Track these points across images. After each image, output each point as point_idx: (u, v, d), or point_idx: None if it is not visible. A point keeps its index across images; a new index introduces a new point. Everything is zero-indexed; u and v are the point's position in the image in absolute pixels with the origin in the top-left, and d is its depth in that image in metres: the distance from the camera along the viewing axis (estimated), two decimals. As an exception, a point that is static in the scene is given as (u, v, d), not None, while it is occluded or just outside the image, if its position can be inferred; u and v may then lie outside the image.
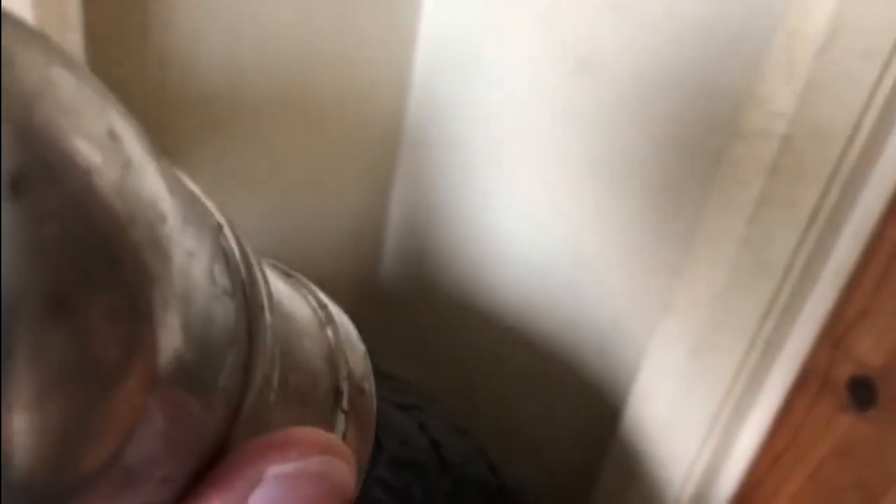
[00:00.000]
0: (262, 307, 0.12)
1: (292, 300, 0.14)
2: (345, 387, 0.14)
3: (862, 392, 0.43)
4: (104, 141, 0.09)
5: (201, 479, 0.12)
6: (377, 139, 0.60)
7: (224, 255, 0.11)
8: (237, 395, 0.11)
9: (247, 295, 0.11)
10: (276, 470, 0.13)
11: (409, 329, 0.66)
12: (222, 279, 0.11)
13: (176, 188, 0.10)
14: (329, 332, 0.14)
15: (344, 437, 0.14)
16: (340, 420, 0.14)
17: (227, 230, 0.12)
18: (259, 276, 0.12)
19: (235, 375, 0.11)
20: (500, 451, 0.49)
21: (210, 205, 0.12)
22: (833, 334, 0.44)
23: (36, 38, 0.09)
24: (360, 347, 0.15)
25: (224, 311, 0.11)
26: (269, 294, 0.12)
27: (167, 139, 0.47)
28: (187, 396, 0.10)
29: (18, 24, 0.09)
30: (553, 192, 0.53)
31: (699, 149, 0.43)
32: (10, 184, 0.08)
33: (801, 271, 0.42)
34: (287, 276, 0.15)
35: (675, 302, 0.47)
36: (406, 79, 0.58)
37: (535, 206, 0.54)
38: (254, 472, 0.12)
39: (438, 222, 0.62)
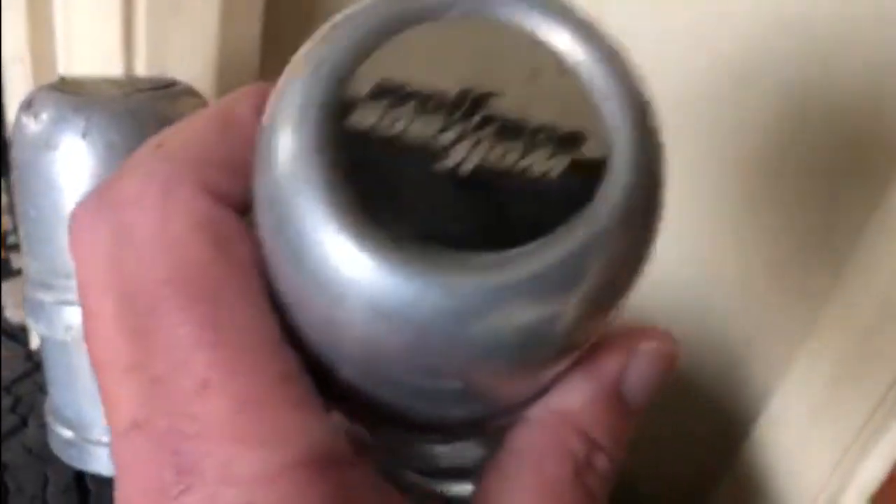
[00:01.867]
0: None
1: None
2: None
3: None
4: None
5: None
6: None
7: None
8: None
9: None
10: (645, 346, 0.20)
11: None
12: None
13: None
14: None
15: None
16: None
17: None
18: None
19: None
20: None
21: None
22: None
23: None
24: None
25: None
26: None
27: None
28: None
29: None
30: (692, 203, 0.51)
31: (867, 170, 0.41)
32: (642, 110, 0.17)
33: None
34: None
35: (818, 328, 0.45)
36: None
37: (670, 217, 0.53)
38: (630, 345, 0.20)
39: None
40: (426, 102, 0.15)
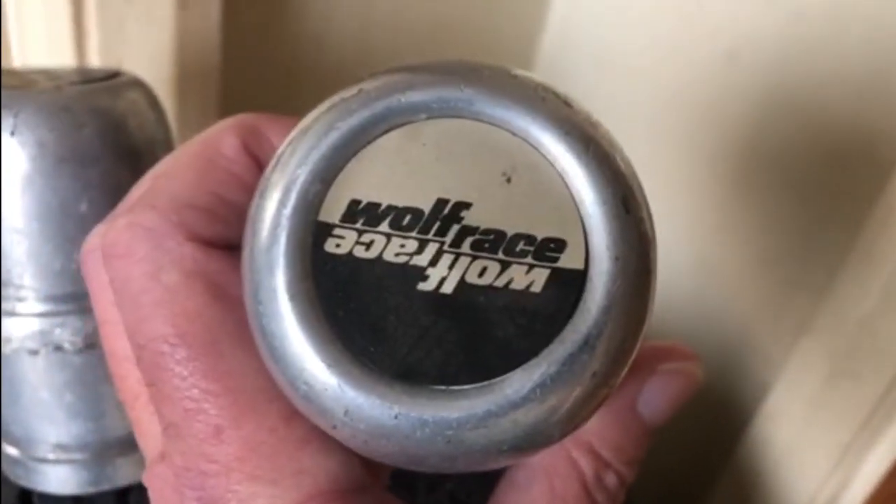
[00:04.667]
0: None
1: None
2: None
3: None
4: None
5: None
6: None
7: None
8: None
9: None
10: (665, 367, 0.20)
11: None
12: None
13: None
14: None
15: None
16: None
17: None
18: None
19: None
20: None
21: None
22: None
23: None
24: None
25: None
26: None
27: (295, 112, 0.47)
28: None
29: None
30: (685, 193, 0.50)
31: (862, 157, 0.39)
32: (623, 204, 0.15)
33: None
34: None
35: (815, 322, 0.43)
36: (529, 62, 0.56)
37: (662, 206, 0.51)
38: (650, 365, 0.20)
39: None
40: (400, 220, 0.15)
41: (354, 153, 0.15)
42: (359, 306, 0.15)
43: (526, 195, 0.15)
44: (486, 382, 0.15)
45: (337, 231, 0.15)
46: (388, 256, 0.15)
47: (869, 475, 0.45)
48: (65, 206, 0.26)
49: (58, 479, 0.29)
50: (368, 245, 0.15)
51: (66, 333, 0.27)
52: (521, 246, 0.15)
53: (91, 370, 0.28)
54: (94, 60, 0.36)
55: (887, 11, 0.37)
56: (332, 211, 0.15)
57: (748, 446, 0.50)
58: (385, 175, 0.15)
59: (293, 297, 0.15)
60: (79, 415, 0.28)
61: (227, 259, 0.17)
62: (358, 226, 0.15)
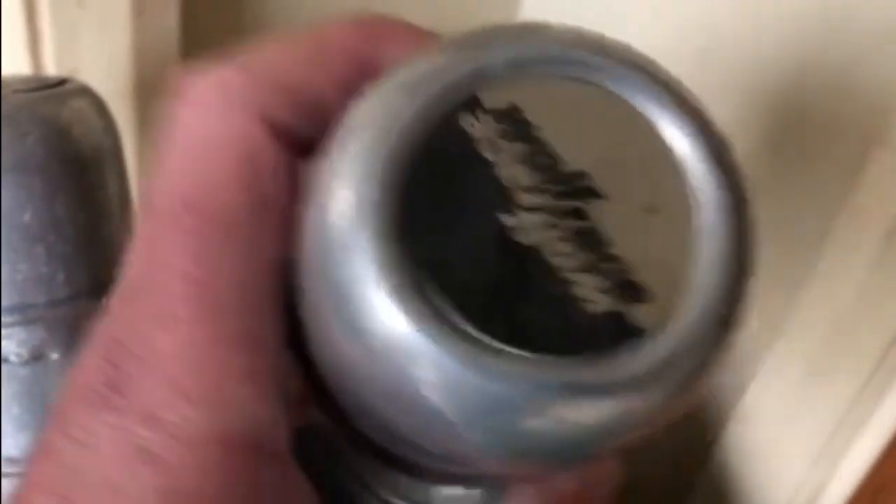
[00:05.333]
0: None
1: None
2: None
3: None
4: None
5: None
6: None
7: None
8: None
9: None
10: None
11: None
12: None
13: None
14: None
15: None
16: None
17: None
18: None
19: None
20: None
21: None
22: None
23: None
24: None
25: None
26: None
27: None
28: None
29: None
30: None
31: (833, 154, 0.39)
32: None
33: (938, 294, 0.38)
34: None
35: (792, 319, 0.43)
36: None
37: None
38: None
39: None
40: (537, 155, 0.14)
41: (540, 71, 0.14)
42: (434, 213, 0.13)
43: (656, 234, 0.14)
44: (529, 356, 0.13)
45: (480, 115, 0.14)
46: (497, 170, 0.13)
47: (847, 473, 0.45)
48: (8, 215, 0.25)
49: (7, 492, 0.28)
50: (491, 147, 0.14)
51: (12, 345, 0.26)
52: (613, 266, 0.13)
53: (38, 382, 0.27)
54: (50, 68, 0.35)
55: (860, 15, 0.37)
56: (492, 98, 0.14)
57: (725, 448, 0.49)
58: (556, 111, 0.14)
59: (380, 185, 0.13)
60: (27, 427, 0.28)
61: (286, 158, 0.16)
62: (499, 127, 0.14)
